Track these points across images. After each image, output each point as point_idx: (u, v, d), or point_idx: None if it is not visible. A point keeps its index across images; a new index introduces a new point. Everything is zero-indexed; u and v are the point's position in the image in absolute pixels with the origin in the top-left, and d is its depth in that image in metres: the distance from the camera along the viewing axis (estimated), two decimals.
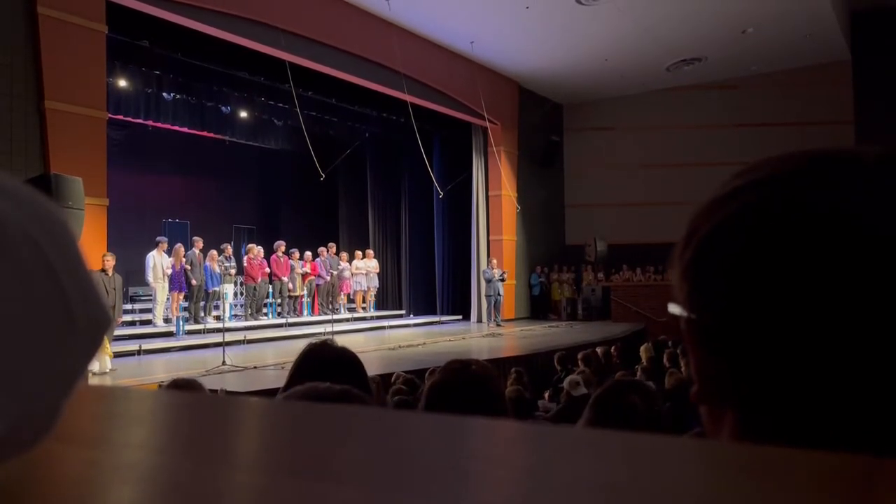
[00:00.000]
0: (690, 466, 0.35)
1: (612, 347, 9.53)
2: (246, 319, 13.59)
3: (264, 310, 14.28)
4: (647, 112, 19.19)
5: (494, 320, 15.64)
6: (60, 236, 0.35)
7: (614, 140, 19.67)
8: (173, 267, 12.19)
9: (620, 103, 19.47)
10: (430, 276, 18.01)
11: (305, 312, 14.97)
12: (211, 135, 16.23)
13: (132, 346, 10.17)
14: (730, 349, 0.52)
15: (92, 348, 0.35)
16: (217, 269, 12.78)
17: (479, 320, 16.46)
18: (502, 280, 15.95)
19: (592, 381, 5.38)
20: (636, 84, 18.35)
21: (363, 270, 15.97)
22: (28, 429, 0.33)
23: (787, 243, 0.49)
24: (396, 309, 17.82)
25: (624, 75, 17.50)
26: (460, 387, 1.61)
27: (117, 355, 9.00)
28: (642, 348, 7.58)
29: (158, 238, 12.33)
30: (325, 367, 1.72)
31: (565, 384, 5.33)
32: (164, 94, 13.86)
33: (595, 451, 0.38)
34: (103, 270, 8.85)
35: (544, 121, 19.19)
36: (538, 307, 18.41)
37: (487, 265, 16.16)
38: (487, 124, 16.02)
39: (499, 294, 15.86)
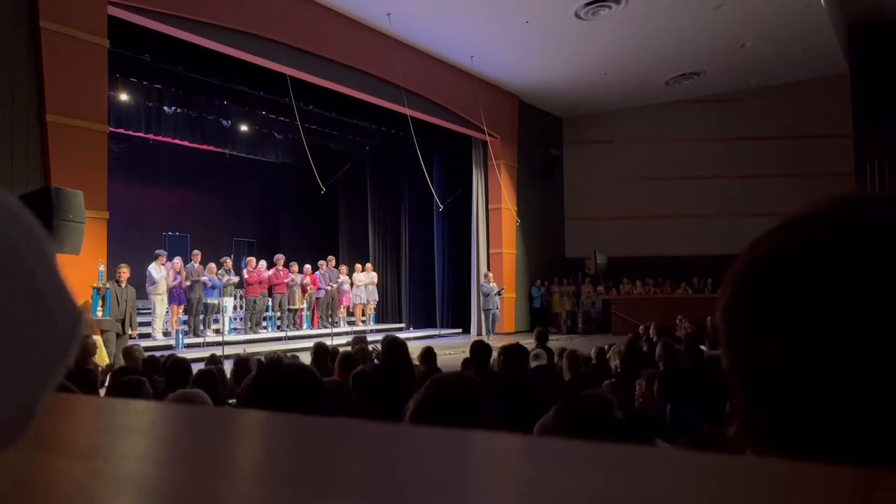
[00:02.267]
0: (687, 478, 0.36)
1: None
2: (245, 333, 13.57)
3: (264, 323, 14.26)
4: (646, 126, 19.25)
5: (488, 334, 15.59)
6: (37, 241, 0.36)
7: (614, 153, 19.72)
8: (178, 278, 12.22)
9: (620, 117, 19.54)
10: (430, 289, 17.99)
11: (305, 326, 14.94)
12: (211, 148, 16.27)
13: None
14: (765, 390, 0.51)
15: (67, 348, 0.36)
16: (218, 278, 12.81)
17: (479, 333, 16.43)
18: (500, 295, 15.95)
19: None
20: (635, 98, 18.42)
21: (363, 283, 15.96)
22: (3, 427, 0.34)
23: (820, 283, 0.48)
24: (396, 322, 17.79)
25: (623, 89, 17.58)
26: (447, 401, 1.61)
27: None
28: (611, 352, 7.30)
29: (158, 251, 12.34)
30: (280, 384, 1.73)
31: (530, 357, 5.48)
32: (165, 108, 13.90)
33: (590, 463, 0.39)
34: (117, 282, 8.86)
35: (544, 134, 19.25)
36: (538, 320, 18.37)
37: (484, 279, 16.14)
38: (487, 138, 16.06)
39: (497, 307, 15.87)
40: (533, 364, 5.36)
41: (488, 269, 16.88)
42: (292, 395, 1.69)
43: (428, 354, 5.78)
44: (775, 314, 0.50)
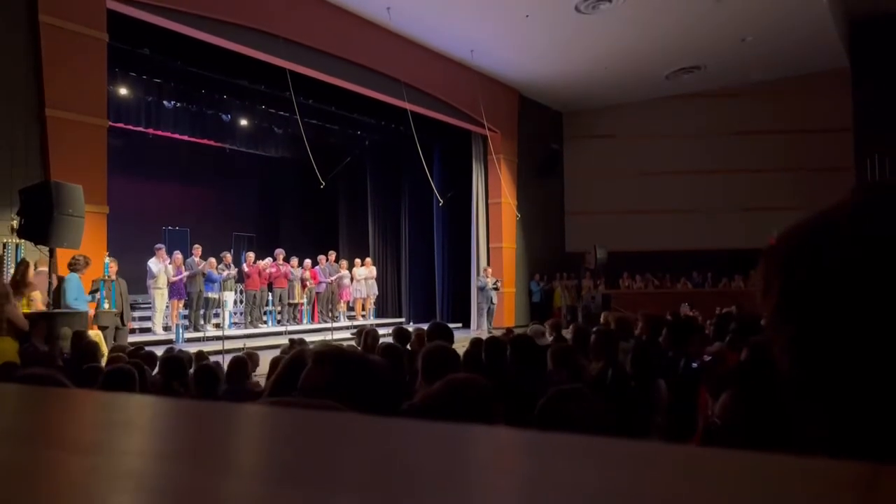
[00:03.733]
0: (688, 473, 0.35)
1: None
2: (245, 327, 13.57)
3: (264, 318, 14.27)
4: (646, 120, 19.23)
5: (487, 328, 15.58)
6: None
7: (614, 148, 19.70)
8: (181, 272, 12.23)
9: (620, 111, 19.52)
10: (430, 284, 18.00)
11: (305, 320, 14.95)
12: (211, 142, 16.25)
13: None
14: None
15: None
16: (218, 273, 12.82)
17: (478, 328, 16.44)
18: (496, 289, 15.91)
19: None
20: (636, 92, 18.40)
21: (363, 278, 15.96)
22: None
23: (850, 267, 0.51)
24: (396, 316, 17.80)
25: (623, 83, 17.55)
26: (456, 404, 1.61)
27: None
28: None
29: (157, 246, 12.35)
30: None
31: (529, 330, 5.42)
32: (165, 102, 13.89)
33: (590, 457, 0.39)
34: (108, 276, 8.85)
35: (544, 129, 19.23)
36: (538, 314, 18.39)
37: (482, 273, 16.15)
38: (487, 132, 16.04)
39: (491, 302, 15.82)
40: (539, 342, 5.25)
41: (488, 264, 16.88)
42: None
43: (401, 334, 5.92)
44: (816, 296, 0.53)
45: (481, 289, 15.79)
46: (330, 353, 1.76)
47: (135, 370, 3.91)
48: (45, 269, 7.88)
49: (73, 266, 8.08)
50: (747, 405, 1.74)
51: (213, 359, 6.25)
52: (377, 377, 1.69)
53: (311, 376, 1.72)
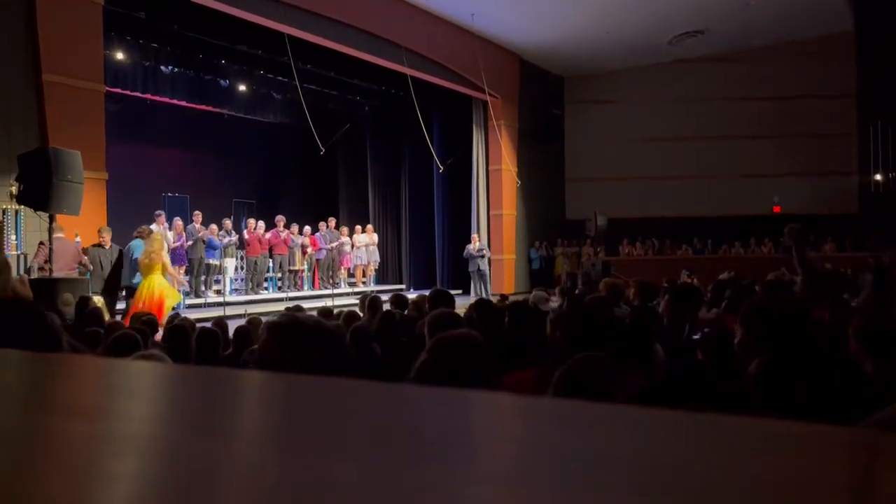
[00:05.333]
0: (688, 439, 0.36)
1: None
2: (246, 293, 13.62)
3: (265, 284, 14.31)
4: (648, 85, 19.05)
5: (484, 296, 15.56)
6: None
7: (615, 114, 19.55)
8: (180, 238, 12.22)
9: (622, 76, 19.32)
10: (431, 251, 18.01)
11: (306, 287, 14.99)
12: (210, 108, 16.11)
13: None
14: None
15: None
16: (218, 239, 12.84)
17: (477, 294, 16.48)
18: (482, 256, 15.81)
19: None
20: (638, 57, 18.19)
21: (363, 245, 15.96)
22: None
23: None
24: (397, 283, 17.84)
25: (625, 48, 17.34)
26: (451, 365, 1.61)
27: None
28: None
29: (157, 212, 12.33)
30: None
31: (532, 297, 5.44)
32: (162, 67, 13.74)
33: (590, 423, 0.39)
34: (100, 245, 8.85)
35: (545, 94, 19.07)
36: (538, 282, 18.42)
37: (471, 240, 16.10)
38: (488, 98, 15.91)
39: (479, 269, 15.75)
40: (543, 308, 5.29)
41: (488, 231, 16.87)
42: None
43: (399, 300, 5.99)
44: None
45: (469, 257, 15.76)
46: (283, 323, 1.75)
47: (139, 336, 3.94)
48: (62, 234, 7.96)
49: (139, 235, 9.24)
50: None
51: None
52: (333, 343, 1.69)
53: (265, 347, 1.72)
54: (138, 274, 8.77)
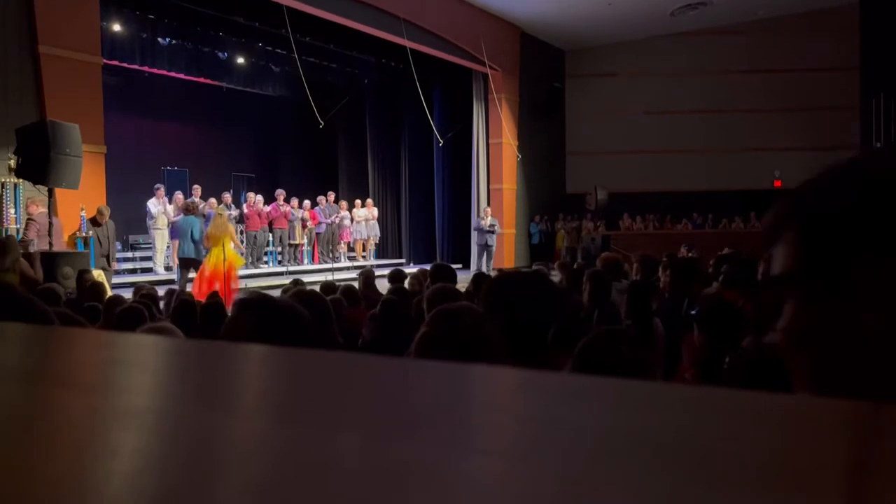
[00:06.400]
0: (692, 413, 0.36)
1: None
2: (246, 267, 13.63)
3: (265, 258, 14.31)
4: (650, 58, 18.89)
5: (486, 270, 15.53)
6: None
7: (617, 87, 19.41)
8: (179, 212, 12.22)
9: (623, 49, 19.15)
10: (430, 225, 18.00)
11: (306, 261, 15.01)
12: (208, 81, 16.00)
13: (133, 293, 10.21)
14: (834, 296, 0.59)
15: None
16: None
17: (478, 268, 16.50)
18: (491, 231, 15.69)
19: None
20: (639, 29, 18.02)
21: (363, 219, 15.95)
22: None
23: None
24: (396, 257, 17.86)
25: (627, 20, 17.16)
26: (451, 337, 1.61)
27: None
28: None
29: (156, 186, 12.32)
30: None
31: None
32: (160, 39, 13.62)
33: (594, 398, 0.39)
34: (95, 221, 8.87)
35: (546, 67, 18.91)
36: (538, 256, 18.42)
37: (482, 213, 16.01)
38: (488, 71, 15.79)
39: (487, 244, 15.64)
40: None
41: (488, 205, 16.82)
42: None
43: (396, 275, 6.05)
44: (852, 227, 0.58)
45: (478, 230, 15.69)
46: (253, 301, 1.74)
47: (144, 309, 3.95)
48: (44, 209, 7.92)
49: (191, 211, 10.47)
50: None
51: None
52: (301, 325, 1.68)
53: (232, 324, 1.71)
54: (202, 248, 9.84)
